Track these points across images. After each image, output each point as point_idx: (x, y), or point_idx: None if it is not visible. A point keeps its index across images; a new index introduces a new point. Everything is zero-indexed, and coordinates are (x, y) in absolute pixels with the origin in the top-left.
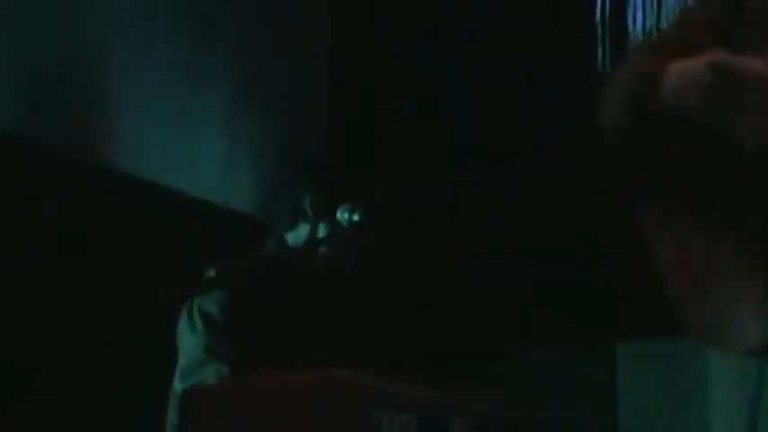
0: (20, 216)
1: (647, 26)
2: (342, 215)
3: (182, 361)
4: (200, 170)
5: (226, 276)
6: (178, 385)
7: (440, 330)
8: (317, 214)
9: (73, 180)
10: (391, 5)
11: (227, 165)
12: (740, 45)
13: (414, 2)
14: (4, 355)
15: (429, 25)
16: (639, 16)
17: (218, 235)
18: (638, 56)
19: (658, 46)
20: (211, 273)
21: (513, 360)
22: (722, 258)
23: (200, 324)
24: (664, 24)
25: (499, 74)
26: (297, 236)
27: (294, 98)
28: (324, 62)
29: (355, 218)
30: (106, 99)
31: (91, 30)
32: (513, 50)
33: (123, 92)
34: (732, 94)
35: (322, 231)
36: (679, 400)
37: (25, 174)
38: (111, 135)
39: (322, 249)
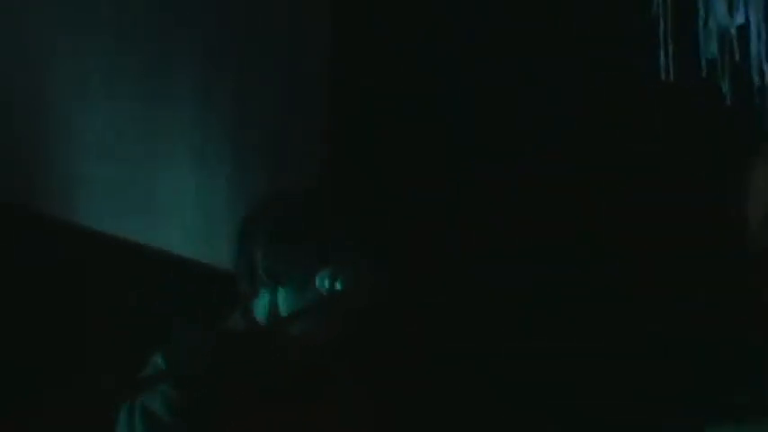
0: None
1: (722, 24)
2: (321, 282)
3: None
4: (167, 218)
5: (175, 364)
6: None
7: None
8: (273, 279)
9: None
10: (392, 5)
11: (200, 211)
12: None
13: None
14: None
15: (430, 25)
16: (721, 9)
17: (194, 297)
18: None
19: None
20: (158, 360)
21: None
22: None
23: (140, 428)
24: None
25: (504, 75)
26: (260, 305)
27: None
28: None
29: (338, 286)
30: (56, 147)
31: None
32: (518, 51)
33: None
34: None
35: (283, 300)
36: None
37: None
38: (59, 185)
39: (296, 325)
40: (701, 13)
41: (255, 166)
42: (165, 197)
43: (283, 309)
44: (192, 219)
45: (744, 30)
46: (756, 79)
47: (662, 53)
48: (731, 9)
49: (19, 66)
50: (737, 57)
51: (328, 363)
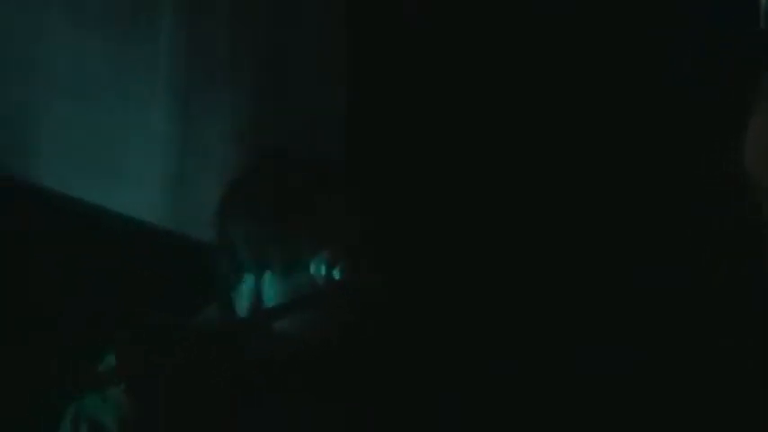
0: None
1: None
2: (317, 268)
3: None
4: (137, 182)
5: (130, 365)
6: None
7: None
8: (258, 262)
9: None
10: None
11: (176, 175)
12: None
13: None
14: None
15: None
16: None
17: (167, 276)
18: None
19: None
20: (110, 359)
21: None
22: None
23: None
24: None
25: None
26: (243, 294)
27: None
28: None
29: (336, 275)
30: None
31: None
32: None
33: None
34: None
35: (269, 287)
36: None
37: None
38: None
39: (283, 320)
40: None
41: (255, 118)
42: (136, 153)
43: (269, 298)
44: (170, 181)
45: None
46: None
47: None
48: None
49: None
50: None
51: (318, 369)
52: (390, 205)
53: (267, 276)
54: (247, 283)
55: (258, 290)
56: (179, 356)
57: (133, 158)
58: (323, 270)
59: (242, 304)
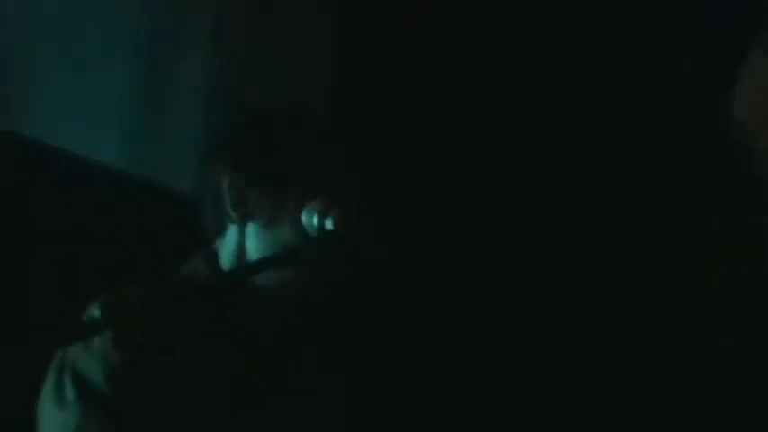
0: None
1: None
2: (309, 219)
3: None
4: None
5: (118, 316)
6: None
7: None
8: (241, 213)
9: None
10: None
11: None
12: None
13: None
14: None
15: None
16: None
17: (147, 221)
18: None
19: None
20: (96, 309)
21: None
22: None
23: (71, 395)
24: None
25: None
26: (227, 247)
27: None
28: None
29: (328, 225)
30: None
31: None
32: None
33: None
34: None
35: (253, 239)
36: None
37: None
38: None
39: (270, 275)
40: None
41: (246, 62)
42: (116, 105)
43: (252, 250)
44: (149, 133)
45: None
46: None
47: None
48: None
49: None
50: None
51: (305, 335)
52: (383, 160)
53: (251, 228)
54: (231, 234)
55: (242, 241)
56: (164, 312)
57: (113, 111)
58: (315, 220)
59: (225, 258)
